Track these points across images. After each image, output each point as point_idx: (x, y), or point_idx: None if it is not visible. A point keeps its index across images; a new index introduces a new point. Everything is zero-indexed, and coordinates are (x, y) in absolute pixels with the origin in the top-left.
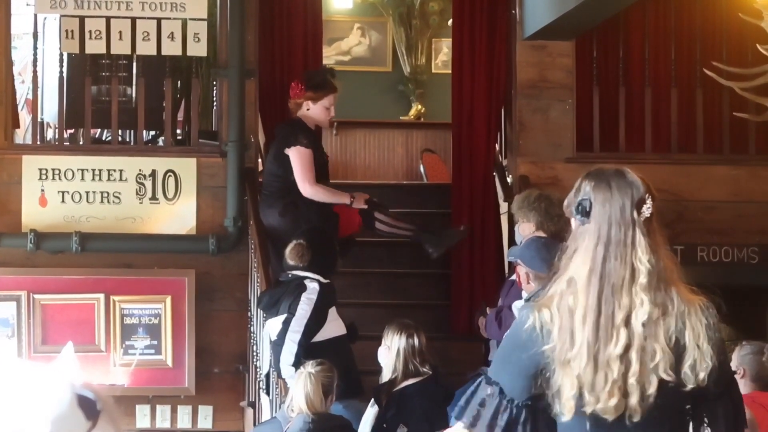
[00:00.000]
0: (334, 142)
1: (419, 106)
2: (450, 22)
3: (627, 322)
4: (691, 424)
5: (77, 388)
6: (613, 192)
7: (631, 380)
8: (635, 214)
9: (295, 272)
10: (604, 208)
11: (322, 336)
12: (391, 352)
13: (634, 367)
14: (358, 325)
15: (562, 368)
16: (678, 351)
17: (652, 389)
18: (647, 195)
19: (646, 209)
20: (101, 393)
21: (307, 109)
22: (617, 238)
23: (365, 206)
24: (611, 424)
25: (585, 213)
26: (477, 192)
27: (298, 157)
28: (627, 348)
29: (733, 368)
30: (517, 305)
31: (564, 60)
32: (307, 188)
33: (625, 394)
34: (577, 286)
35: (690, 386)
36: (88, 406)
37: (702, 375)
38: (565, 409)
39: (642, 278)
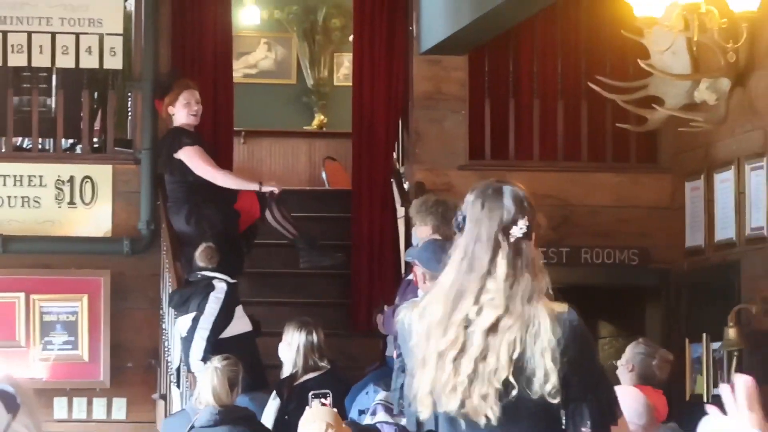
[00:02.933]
0: (241, 150)
1: (322, 117)
2: (351, 37)
3: (473, 332)
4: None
5: None
6: (483, 213)
7: (463, 384)
8: (500, 236)
9: (203, 273)
10: (474, 226)
11: (229, 332)
12: (291, 348)
13: (465, 371)
14: (265, 323)
15: (420, 368)
16: (521, 363)
17: (491, 395)
18: (519, 216)
19: (517, 230)
20: (21, 386)
21: (173, 114)
22: (479, 255)
23: (275, 189)
24: (473, 424)
25: (459, 227)
26: (376, 197)
27: (190, 155)
28: (469, 355)
29: (624, 362)
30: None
31: (458, 74)
32: (216, 176)
33: (466, 397)
34: (438, 295)
35: (536, 397)
36: (7, 400)
37: (548, 388)
38: (422, 407)
39: (489, 293)
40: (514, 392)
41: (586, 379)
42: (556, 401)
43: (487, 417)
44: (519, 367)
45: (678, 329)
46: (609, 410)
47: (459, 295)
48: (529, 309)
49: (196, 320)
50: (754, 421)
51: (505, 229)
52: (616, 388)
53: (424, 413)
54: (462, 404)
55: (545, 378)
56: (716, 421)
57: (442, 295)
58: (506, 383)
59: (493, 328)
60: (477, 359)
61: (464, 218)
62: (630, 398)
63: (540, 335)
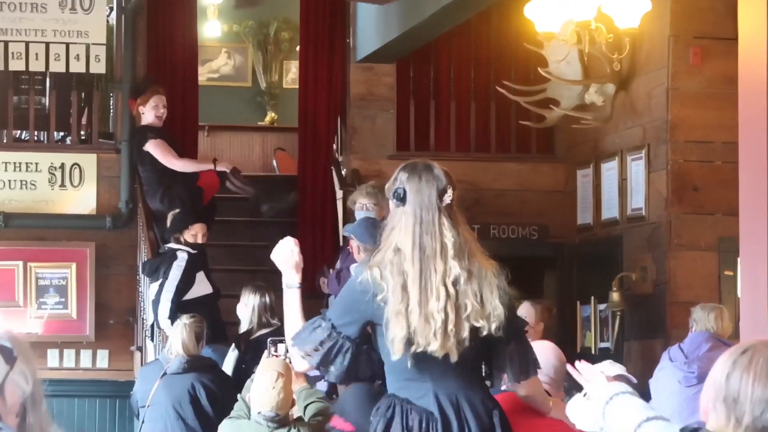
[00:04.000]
0: (205, 142)
1: (273, 114)
2: (297, 48)
3: (444, 283)
4: (487, 364)
5: None
6: (422, 183)
7: (450, 327)
8: (439, 201)
9: (170, 245)
10: (416, 195)
11: (192, 295)
12: (247, 308)
13: (452, 317)
14: (226, 287)
15: (395, 318)
16: (482, 305)
17: (465, 334)
18: (448, 186)
19: (447, 197)
20: (18, 340)
21: (143, 113)
22: (427, 219)
23: (228, 169)
24: (428, 361)
25: (400, 198)
26: (318, 182)
27: (155, 147)
28: (446, 303)
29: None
30: (353, 267)
31: (387, 79)
32: (175, 164)
33: (446, 338)
34: (405, 256)
35: (485, 333)
36: (5, 353)
37: (494, 325)
38: (395, 350)
39: (450, 250)
40: (482, 332)
41: (512, 328)
42: (499, 335)
43: (457, 354)
44: (482, 310)
45: (570, 293)
46: (530, 362)
47: (424, 254)
48: (477, 261)
49: (161, 285)
50: (602, 380)
51: (440, 195)
52: (536, 343)
53: (397, 355)
54: (441, 345)
55: (497, 317)
56: (578, 401)
57: (409, 255)
58: (476, 323)
59: (460, 279)
60: (454, 306)
61: (404, 190)
62: (550, 353)
63: (491, 282)
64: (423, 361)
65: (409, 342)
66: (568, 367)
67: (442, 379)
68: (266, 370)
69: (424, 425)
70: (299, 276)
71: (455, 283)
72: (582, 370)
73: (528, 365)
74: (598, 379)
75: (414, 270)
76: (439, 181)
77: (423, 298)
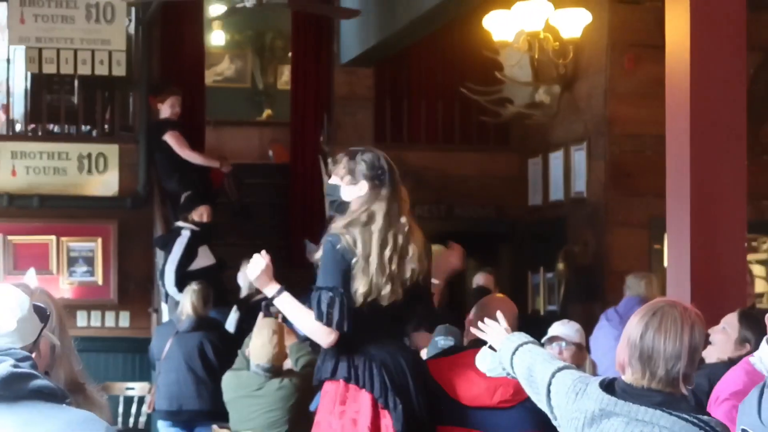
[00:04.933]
0: (210, 134)
1: (269, 111)
2: (290, 54)
3: (396, 239)
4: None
5: (33, 300)
6: (395, 172)
7: (393, 268)
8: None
9: (177, 223)
10: (392, 182)
11: (197, 266)
12: (246, 276)
13: (396, 260)
14: (231, 259)
15: (361, 273)
16: (417, 255)
17: (407, 277)
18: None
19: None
20: (52, 300)
21: (161, 109)
22: (396, 197)
23: (229, 170)
24: (380, 306)
25: (381, 181)
26: (308, 170)
27: (172, 138)
28: (402, 258)
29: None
30: (327, 236)
31: (367, 80)
32: (188, 155)
33: (394, 285)
34: (376, 225)
35: (415, 280)
36: (40, 312)
37: (422, 276)
38: (359, 300)
39: (402, 218)
40: (413, 277)
41: (428, 286)
42: (421, 287)
43: (401, 294)
44: (418, 257)
45: (522, 263)
46: (428, 317)
47: (387, 223)
48: (411, 225)
49: (166, 258)
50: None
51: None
52: (497, 296)
53: (358, 303)
54: (390, 291)
55: (425, 268)
56: (486, 352)
57: (378, 226)
58: (415, 265)
59: (406, 234)
60: (402, 256)
61: (387, 176)
62: (507, 307)
63: (418, 239)
64: (375, 306)
65: (366, 294)
66: (472, 329)
67: (380, 327)
68: (262, 328)
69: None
70: (275, 283)
71: (404, 236)
72: (484, 328)
73: (426, 320)
74: (499, 332)
75: (380, 235)
76: (396, 170)
77: (383, 255)
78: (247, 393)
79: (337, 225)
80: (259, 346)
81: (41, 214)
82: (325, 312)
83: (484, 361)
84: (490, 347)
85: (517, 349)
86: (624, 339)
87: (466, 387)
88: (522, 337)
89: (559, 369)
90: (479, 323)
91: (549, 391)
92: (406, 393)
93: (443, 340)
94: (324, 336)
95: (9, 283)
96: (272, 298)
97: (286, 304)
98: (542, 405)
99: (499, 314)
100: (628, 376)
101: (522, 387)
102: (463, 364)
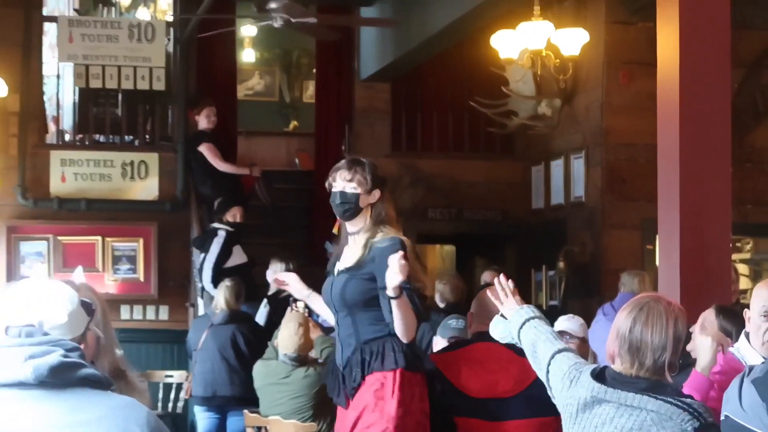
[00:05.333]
0: (242, 143)
1: (295, 122)
2: (314, 70)
3: None
4: None
5: (80, 295)
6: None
7: None
8: None
9: (213, 225)
10: (387, 183)
11: (230, 263)
12: (275, 273)
13: None
14: (260, 258)
15: None
16: None
17: None
18: None
19: None
20: (97, 297)
21: (198, 120)
22: (391, 199)
23: (259, 175)
24: None
25: (385, 186)
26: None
27: (206, 149)
28: None
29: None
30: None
31: (384, 94)
32: (220, 165)
33: None
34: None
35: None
36: (87, 307)
37: None
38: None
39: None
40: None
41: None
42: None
43: None
44: None
45: (526, 262)
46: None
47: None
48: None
49: (204, 256)
50: (514, 303)
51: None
52: (491, 287)
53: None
54: None
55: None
56: (498, 320)
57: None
58: None
59: None
60: None
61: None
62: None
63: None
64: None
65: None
66: (489, 293)
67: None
68: (290, 321)
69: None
70: (305, 286)
71: None
72: (500, 296)
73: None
74: (511, 302)
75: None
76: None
77: None
78: (276, 381)
79: (390, 229)
80: (286, 337)
81: (88, 216)
82: (420, 308)
83: (496, 328)
84: (503, 315)
85: (524, 323)
86: (613, 332)
87: (472, 380)
88: (530, 311)
89: (559, 351)
90: (494, 293)
91: (548, 371)
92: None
93: (456, 321)
94: (415, 330)
95: (58, 280)
96: (306, 299)
97: (318, 300)
98: (543, 379)
99: (510, 284)
100: (618, 366)
101: (520, 378)
102: (468, 359)
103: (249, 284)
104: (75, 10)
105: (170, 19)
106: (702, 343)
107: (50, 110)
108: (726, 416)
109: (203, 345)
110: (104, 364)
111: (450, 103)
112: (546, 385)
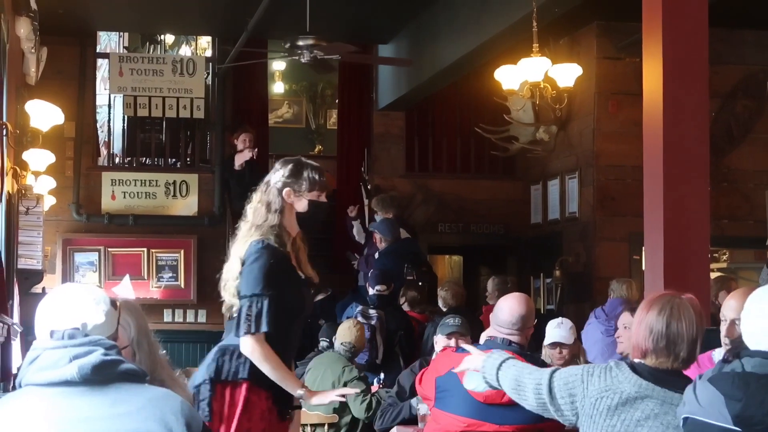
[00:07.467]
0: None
1: (320, 146)
2: (337, 101)
3: None
4: None
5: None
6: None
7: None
8: None
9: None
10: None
11: None
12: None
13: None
14: None
15: None
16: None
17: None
18: None
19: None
20: (136, 311)
21: (236, 143)
22: None
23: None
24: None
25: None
26: (351, 194)
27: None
28: None
29: (489, 292)
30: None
31: (399, 122)
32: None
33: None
34: None
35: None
36: (113, 303)
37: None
38: None
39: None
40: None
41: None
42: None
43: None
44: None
45: (526, 271)
46: (241, 323)
47: None
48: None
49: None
50: (480, 353)
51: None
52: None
53: None
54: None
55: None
56: (474, 375)
57: None
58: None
59: None
60: None
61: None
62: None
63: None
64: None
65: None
66: (456, 370)
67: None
68: (347, 320)
69: None
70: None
71: None
72: (464, 363)
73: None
74: (476, 357)
75: None
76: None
77: None
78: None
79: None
80: (345, 329)
81: (135, 230)
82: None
83: (471, 382)
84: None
85: (501, 364)
86: (644, 331)
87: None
88: (502, 354)
89: (555, 370)
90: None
91: (551, 390)
92: None
93: (453, 320)
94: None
95: (109, 288)
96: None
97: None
98: (532, 406)
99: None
100: (652, 361)
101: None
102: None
103: None
104: (125, 47)
105: (209, 55)
106: None
107: (102, 136)
108: (686, 417)
109: None
110: (162, 375)
111: (458, 129)
112: (538, 407)
